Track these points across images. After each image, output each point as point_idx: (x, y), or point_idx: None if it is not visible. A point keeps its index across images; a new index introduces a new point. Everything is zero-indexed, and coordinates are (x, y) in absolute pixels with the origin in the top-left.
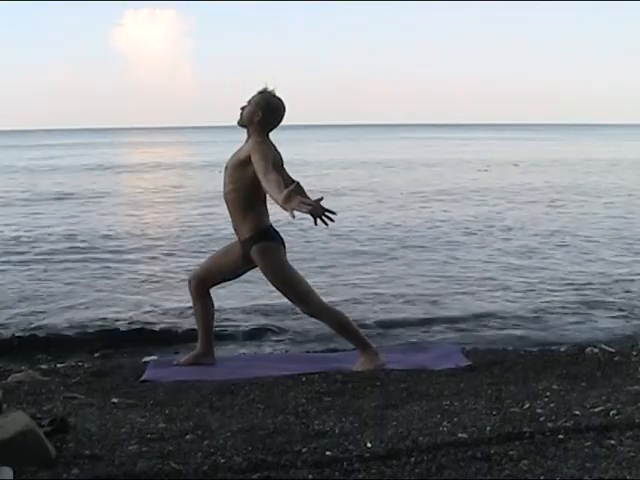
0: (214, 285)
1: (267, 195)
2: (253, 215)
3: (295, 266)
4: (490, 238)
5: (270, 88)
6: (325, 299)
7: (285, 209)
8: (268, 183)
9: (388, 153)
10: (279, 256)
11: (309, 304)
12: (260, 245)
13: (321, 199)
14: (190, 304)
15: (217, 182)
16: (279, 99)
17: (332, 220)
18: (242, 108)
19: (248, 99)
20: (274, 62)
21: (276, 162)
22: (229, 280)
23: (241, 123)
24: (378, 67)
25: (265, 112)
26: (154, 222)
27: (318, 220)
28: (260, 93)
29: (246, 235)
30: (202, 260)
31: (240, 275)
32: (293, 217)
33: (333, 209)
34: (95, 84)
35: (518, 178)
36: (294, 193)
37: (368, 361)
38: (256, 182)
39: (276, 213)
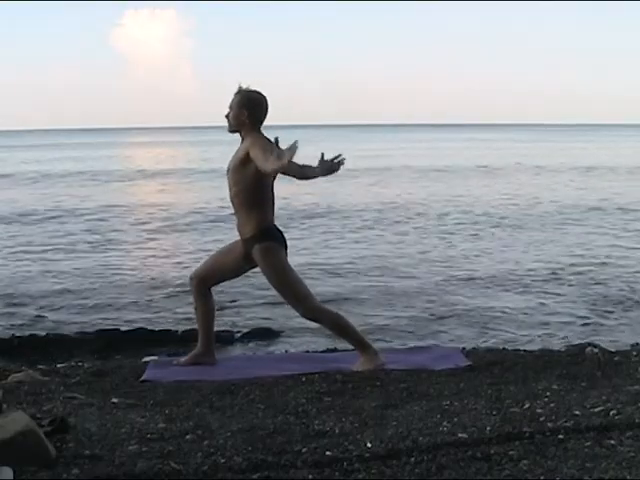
0: (215, 284)
1: (273, 195)
2: (257, 214)
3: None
4: (491, 237)
5: (244, 86)
6: (324, 299)
7: (283, 164)
8: (267, 160)
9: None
10: (280, 257)
11: (307, 307)
12: (262, 245)
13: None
14: (190, 304)
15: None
16: (258, 92)
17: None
18: (227, 116)
19: (229, 104)
20: (274, 62)
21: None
22: (230, 279)
23: (231, 129)
24: (377, 67)
25: (249, 109)
26: (155, 223)
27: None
28: (238, 93)
29: (248, 234)
30: (203, 260)
31: (241, 274)
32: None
33: None
34: (95, 84)
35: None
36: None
37: (368, 361)
38: (259, 180)
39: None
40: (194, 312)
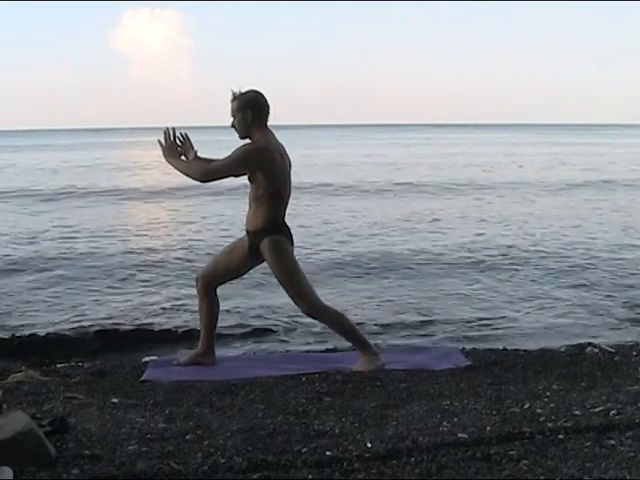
0: (221, 283)
1: (289, 193)
2: (269, 209)
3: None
4: (490, 237)
5: (236, 90)
6: (325, 299)
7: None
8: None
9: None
10: (288, 252)
11: (310, 303)
12: (272, 238)
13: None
14: (190, 304)
15: None
16: (254, 91)
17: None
18: (233, 125)
19: (231, 113)
20: (274, 61)
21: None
22: (235, 278)
23: (242, 135)
24: (377, 67)
25: (252, 108)
26: (155, 223)
27: None
28: (235, 99)
29: (259, 226)
30: (208, 260)
31: (245, 272)
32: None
33: None
34: (95, 84)
35: None
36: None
37: (368, 361)
38: (272, 179)
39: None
40: (198, 312)
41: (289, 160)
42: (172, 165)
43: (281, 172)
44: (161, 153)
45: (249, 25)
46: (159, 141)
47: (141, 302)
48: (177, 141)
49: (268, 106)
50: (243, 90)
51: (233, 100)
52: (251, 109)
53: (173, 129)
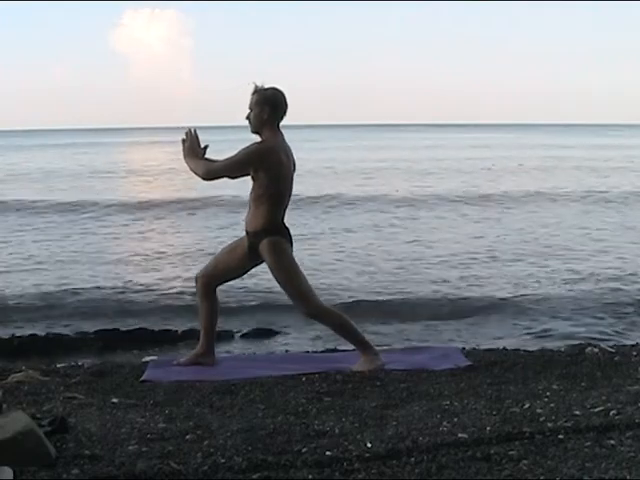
0: (221, 283)
1: (290, 194)
2: (269, 209)
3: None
4: (489, 237)
5: (259, 84)
6: (325, 299)
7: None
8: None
9: None
10: (287, 253)
11: (310, 305)
12: (270, 239)
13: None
14: (190, 304)
15: None
16: (275, 89)
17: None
18: (248, 117)
19: (248, 105)
20: (274, 60)
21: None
22: (235, 278)
23: (254, 130)
24: (377, 67)
25: (271, 106)
26: (156, 224)
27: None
28: (255, 93)
29: (258, 227)
30: (209, 260)
31: (245, 273)
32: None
33: None
34: (95, 84)
35: None
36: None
37: (368, 361)
38: (274, 180)
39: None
40: (198, 311)
41: (294, 162)
42: (187, 164)
43: (285, 174)
44: (181, 152)
45: (249, 25)
46: (182, 140)
47: (142, 302)
48: (199, 142)
49: (286, 107)
50: (266, 86)
51: (254, 93)
52: (269, 107)
53: (195, 130)
